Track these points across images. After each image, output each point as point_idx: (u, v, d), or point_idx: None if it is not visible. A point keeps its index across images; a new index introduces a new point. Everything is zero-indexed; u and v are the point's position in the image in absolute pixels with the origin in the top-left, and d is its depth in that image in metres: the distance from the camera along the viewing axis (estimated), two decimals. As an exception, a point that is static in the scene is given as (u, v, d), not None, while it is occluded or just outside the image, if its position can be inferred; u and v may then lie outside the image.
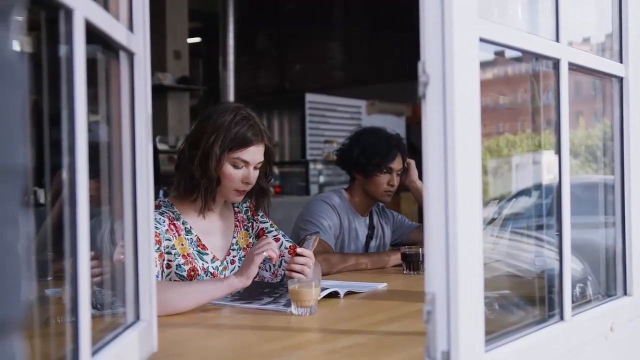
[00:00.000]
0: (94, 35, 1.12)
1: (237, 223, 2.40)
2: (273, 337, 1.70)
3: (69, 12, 1.00)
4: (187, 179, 2.22)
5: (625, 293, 1.83)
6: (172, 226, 2.20)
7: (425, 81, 1.19)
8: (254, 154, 2.23)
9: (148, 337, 1.40)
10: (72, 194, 1.01)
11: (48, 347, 1.19)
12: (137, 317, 1.38)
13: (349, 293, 2.20)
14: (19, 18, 0.65)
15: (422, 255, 2.67)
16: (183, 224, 2.25)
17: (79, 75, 1.02)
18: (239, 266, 2.31)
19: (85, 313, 1.02)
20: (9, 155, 0.58)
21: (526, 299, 1.71)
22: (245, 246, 2.39)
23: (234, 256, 2.35)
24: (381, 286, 2.37)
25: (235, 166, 2.22)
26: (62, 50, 1.02)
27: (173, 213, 2.25)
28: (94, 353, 1.10)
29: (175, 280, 2.18)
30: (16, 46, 0.63)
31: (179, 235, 2.22)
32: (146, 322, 1.39)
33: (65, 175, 1.01)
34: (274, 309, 1.94)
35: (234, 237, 2.37)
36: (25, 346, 0.65)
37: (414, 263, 2.67)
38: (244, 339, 1.70)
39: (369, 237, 3.16)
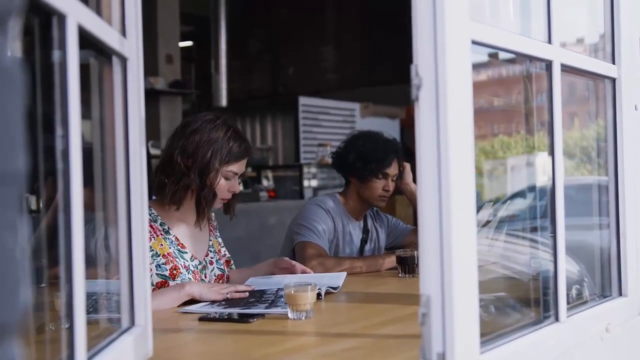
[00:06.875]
0: (86, 40, 1.12)
1: (211, 228, 2.52)
2: (269, 341, 1.69)
3: (62, 18, 1.00)
4: (182, 190, 2.29)
5: (620, 294, 1.83)
6: (149, 228, 2.23)
7: (418, 84, 1.19)
8: (243, 166, 2.37)
9: (143, 343, 1.39)
10: (67, 201, 1.00)
11: (43, 353, 1.19)
12: (132, 323, 1.38)
13: (329, 293, 2.23)
14: (17, 24, 0.65)
15: (418, 258, 2.67)
16: (161, 225, 2.31)
17: (72, 81, 1.01)
18: (217, 267, 2.45)
19: (81, 319, 1.02)
20: (9, 160, 0.59)
21: (521, 301, 1.71)
22: (217, 250, 2.50)
23: (211, 257, 2.45)
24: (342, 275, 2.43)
25: (226, 178, 2.33)
26: (55, 55, 1.01)
27: (150, 215, 2.28)
28: (89, 359, 1.09)
29: (156, 282, 2.22)
30: (14, 52, 0.63)
31: (158, 236, 2.28)
32: (141, 328, 1.38)
33: (59, 181, 1.01)
34: (276, 312, 1.93)
35: (210, 241, 2.48)
36: (24, 351, 0.65)
37: (409, 266, 2.67)
38: (239, 344, 1.69)
39: (364, 241, 3.15)
